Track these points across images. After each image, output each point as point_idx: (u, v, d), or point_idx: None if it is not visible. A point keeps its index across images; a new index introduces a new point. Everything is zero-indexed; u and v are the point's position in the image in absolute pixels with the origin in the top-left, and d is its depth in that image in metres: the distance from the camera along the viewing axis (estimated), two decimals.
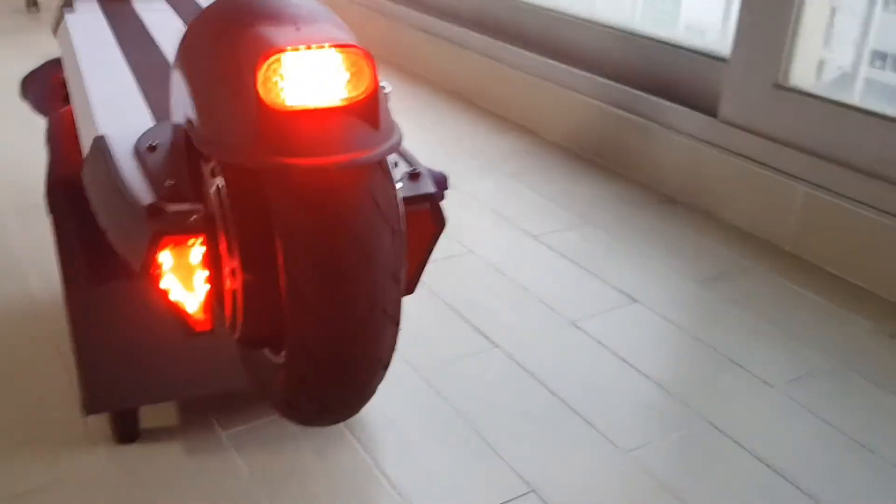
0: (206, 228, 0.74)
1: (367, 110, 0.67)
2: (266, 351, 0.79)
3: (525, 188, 1.92)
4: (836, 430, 1.19)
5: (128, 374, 1.06)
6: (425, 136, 2.23)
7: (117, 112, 0.96)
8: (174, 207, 0.74)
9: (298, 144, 0.64)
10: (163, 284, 0.74)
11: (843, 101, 1.59)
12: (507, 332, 1.38)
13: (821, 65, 1.70)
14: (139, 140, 0.86)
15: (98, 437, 1.13)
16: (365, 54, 0.66)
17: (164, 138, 0.86)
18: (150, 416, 1.16)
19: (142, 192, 0.77)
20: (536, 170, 2.03)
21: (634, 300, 1.48)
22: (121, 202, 0.77)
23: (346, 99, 0.67)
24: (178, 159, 0.81)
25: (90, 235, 0.95)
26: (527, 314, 1.43)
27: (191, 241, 0.73)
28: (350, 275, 0.67)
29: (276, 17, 0.69)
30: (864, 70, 1.71)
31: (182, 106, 0.75)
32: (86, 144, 0.91)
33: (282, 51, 0.64)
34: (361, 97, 0.67)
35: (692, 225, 1.77)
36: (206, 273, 0.75)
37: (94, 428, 1.14)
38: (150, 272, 0.73)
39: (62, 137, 1.07)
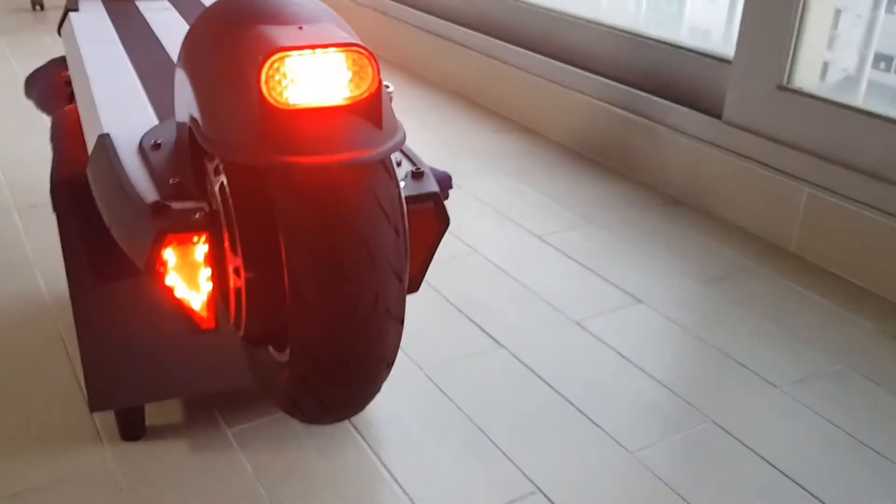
0: (210, 226, 0.74)
1: (370, 109, 0.67)
2: (270, 349, 0.79)
3: (528, 188, 1.92)
4: (840, 431, 1.19)
5: (133, 371, 1.06)
6: (429, 136, 2.23)
7: (121, 110, 0.96)
8: (178, 205, 0.75)
9: (301, 143, 0.64)
10: (167, 282, 0.74)
11: (846, 103, 1.58)
12: (511, 331, 1.38)
13: (825, 67, 1.70)
14: (143, 138, 0.87)
15: (104, 434, 1.13)
16: (367, 54, 0.66)
17: (168, 136, 0.86)
18: (155, 413, 1.17)
19: (146, 189, 0.77)
20: (540, 170, 2.03)
21: (638, 300, 1.49)
22: (125, 200, 0.77)
23: (349, 98, 0.67)
24: (182, 157, 0.81)
25: (95, 233, 0.95)
26: (531, 314, 1.43)
27: (195, 239, 0.74)
28: (353, 273, 0.67)
29: (279, 17, 0.69)
30: (868, 72, 1.71)
31: (186, 104, 0.75)
32: (90, 142, 0.92)
33: (285, 50, 0.64)
34: (364, 96, 0.67)
35: (696, 225, 1.77)
36: (209, 271, 0.75)
37: (100, 425, 1.14)
38: (154, 270, 0.73)
39: (66, 136, 1.07)
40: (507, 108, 2.39)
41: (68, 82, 1.29)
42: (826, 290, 1.54)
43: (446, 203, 1.74)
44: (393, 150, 0.68)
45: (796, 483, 1.09)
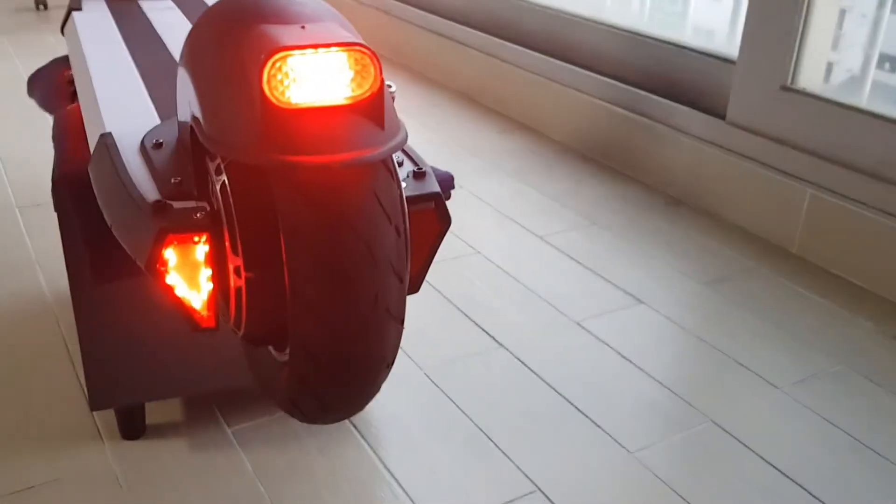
0: (211, 226, 0.74)
1: (372, 109, 0.67)
2: (270, 348, 0.79)
3: (530, 188, 1.92)
4: (840, 431, 1.19)
5: (133, 370, 1.06)
6: (430, 135, 2.23)
7: (124, 109, 0.96)
8: (179, 205, 0.75)
9: (303, 142, 0.64)
10: (168, 281, 0.74)
11: (850, 104, 1.58)
12: (512, 331, 1.38)
13: (829, 67, 1.70)
14: (145, 137, 0.87)
15: (104, 433, 1.13)
16: (370, 53, 0.66)
17: (169, 136, 0.86)
18: (155, 412, 1.17)
19: (147, 189, 0.77)
20: (542, 170, 2.03)
21: (639, 301, 1.48)
22: (126, 199, 0.77)
23: (351, 97, 0.67)
24: (184, 157, 0.81)
25: (96, 233, 0.96)
26: (531, 314, 1.43)
27: (196, 239, 0.74)
28: (353, 273, 0.67)
29: (281, 16, 0.69)
30: (873, 73, 1.71)
31: (188, 104, 0.75)
32: (92, 141, 0.92)
33: (287, 49, 0.64)
34: (366, 96, 0.67)
35: (697, 226, 1.77)
36: (210, 270, 0.75)
37: (101, 423, 1.15)
38: (155, 269, 0.73)
39: (68, 135, 1.07)
40: (510, 107, 2.39)
41: (71, 81, 1.29)
42: (827, 290, 1.54)
43: (448, 203, 1.74)
44: (395, 149, 0.68)
45: (797, 483, 1.09)
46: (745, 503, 1.06)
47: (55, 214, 1.48)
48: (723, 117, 1.81)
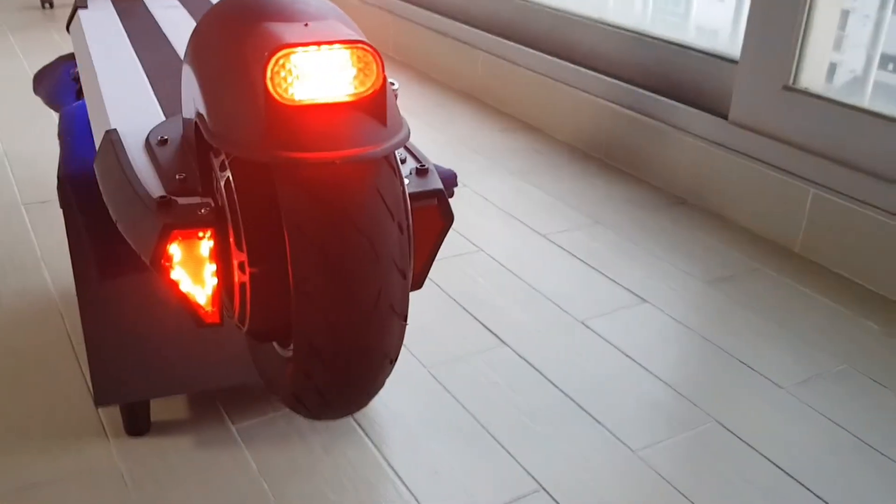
0: (216, 222, 0.74)
1: (375, 106, 0.68)
2: (274, 344, 0.80)
3: (534, 187, 1.92)
4: (844, 432, 1.19)
5: (138, 367, 1.06)
6: (434, 134, 2.23)
7: (129, 106, 0.96)
8: (184, 201, 0.75)
9: (306, 139, 0.64)
10: (172, 277, 0.75)
11: (853, 104, 1.58)
12: (516, 329, 1.39)
13: (831, 67, 1.70)
14: (150, 134, 0.87)
15: (109, 430, 1.13)
16: (372, 50, 0.67)
17: (174, 133, 0.87)
18: (160, 408, 1.17)
19: (152, 185, 0.78)
20: (545, 169, 2.03)
21: (643, 300, 1.49)
22: (132, 195, 0.78)
23: (354, 94, 0.67)
24: (189, 153, 0.81)
25: (101, 230, 0.96)
26: (535, 312, 1.44)
27: (200, 235, 0.74)
28: (356, 269, 0.67)
29: (284, 14, 0.70)
30: (875, 73, 1.71)
31: (192, 101, 0.75)
32: (98, 138, 0.92)
33: (290, 47, 0.64)
34: (369, 93, 0.67)
35: (701, 226, 1.77)
36: (214, 266, 0.76)
37: (106, 420, 1.15)
38: (159, 265, 0.74)
39: (74, 132, 1.07)
40: (513, 107, 2.39)
41: (76, 79, 1.30)
42: (831, 291, 1.54)
43: (451, 201, 1.74)
44: (397, 146, 0.68)
45: (800, 483, 1.09)
46: (747, 503, 1.06)
47: (61, 211, 1.49)
48: (725, 117, 1.81)
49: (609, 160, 2.09)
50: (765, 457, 1.13)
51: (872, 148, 1.55)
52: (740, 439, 1.16)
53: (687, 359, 1.33)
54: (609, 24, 2.14)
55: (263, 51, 0.65)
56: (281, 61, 0.64)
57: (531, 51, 2.29)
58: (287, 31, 0.66)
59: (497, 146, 2.17)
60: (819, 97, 1.63)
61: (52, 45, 2.87)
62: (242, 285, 0.74)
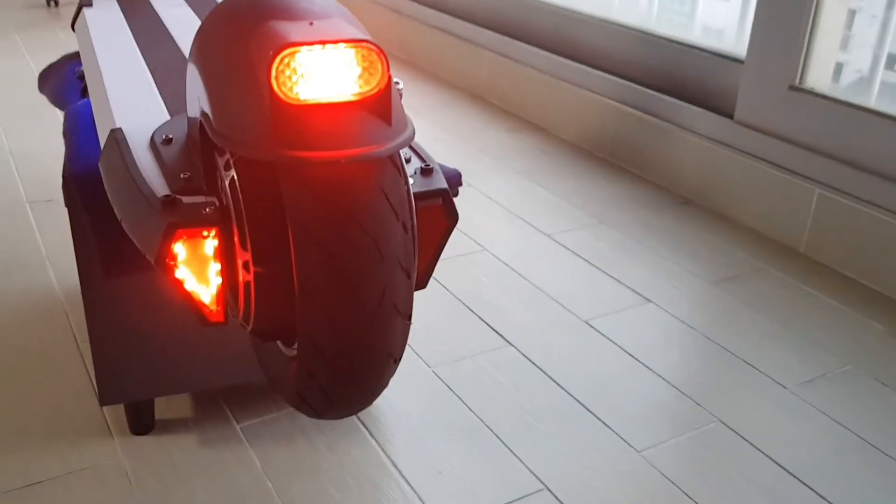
0: (220, 221, 0.74)
1: (380, 105, 0.68)
2: (278, 343, 0.80)
3: (539, 187, 1.92)
4: (848, 432, 1.18)
5: (143, 365, 1.07)
6: (439, 134, 2.23)
7: (134, 105, 0.96)
8: (189, 200, 0.75)
9: (311, 138, 0.64)
10: (177, 276, 0.75)
11: (858, 104, 1.58)
12: (520, 329, 1.39)
13: (837, 67, 1.70)
14: (155, 133, 0.87)
15: (114, 428, 1.14)
16: (377, 50, 0.67)
17: (179, 131, 0.87)
18: (164, 407, 1.17)
19: (157, 184, 0.78)
20: (550, 169, 2.03)
21: (648, 300, 1.48)
22: (136, 194, 0.78)
23: (359, 94, 0.67)
24: (193, 152, 0.81)
25: (106, 228, 0.96)
26: (539, 312, 1.44)
27: (205, 234, 0.74)
28: (360, 268, 0.67)
29: (289, 13, 0.70)
30: (881, 73, 1.70)
31: (197, 100, 0.75)
32: (103, 137, 0.92)
33: (295, 45, 0.64)
34: (374, 92, 0.67)
35: (706, 226, 1.77)
36: (219, 265, 0.76)
37: (110, 418, 1.15)
38: (164, 263, 0.74)
39: (79, 130, 1.08)
40: (519, 106, 2.39)
41: (81, 77, 1.30)
42: (836, 291, 1.54)
43: (456, 200, 1.74)
44: (402, 146, 0.68)
45: (804, 484, 1.09)
46: (751, 502, 1.06)
47: (65, 210, 1.49)
48: (731, 117, 1.81)
49: (614, 160, 2.08)
50: (769, 457, 1.13)
51: (878, 148, 1.54)
52: (744, 439, 1.16)
53: (691, 359, 1.33)
54: (615, 24, 2.14)
55: (268, 50, 0.65)
56: (286, 60, 0.64)
57: (537, 50, 2.29)
58: (292, 30, 0.66)
59: (503, 146, 2.16)
60: (825, 97, 1.63)
61: (57, 44, 2.87)
62: (247, 284, 0.74)
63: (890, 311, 1.48)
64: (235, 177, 0.72)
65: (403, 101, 2.47)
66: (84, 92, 1.30)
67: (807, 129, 1.66)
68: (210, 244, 0.75)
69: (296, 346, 0.72)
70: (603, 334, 1.38)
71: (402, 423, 1.17)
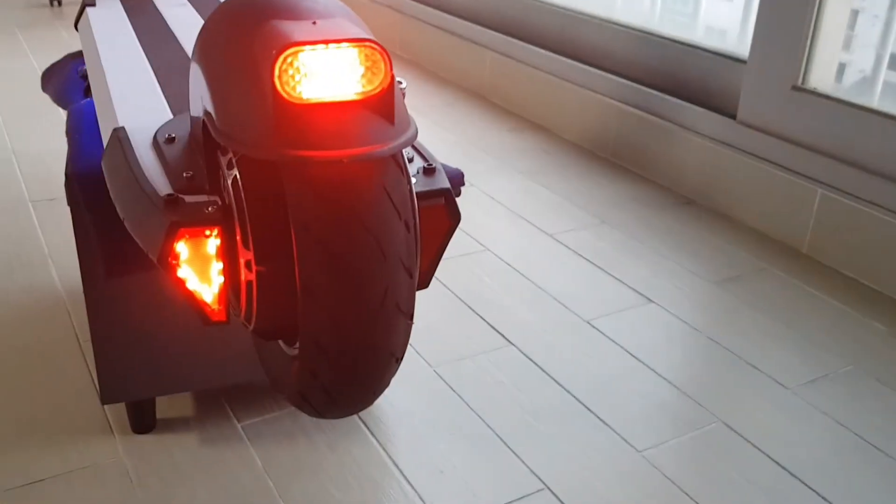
0: (223, 220, 0.74)
1: (383, 105, 0.68)
2: (280, 342, 0.80)
3: (541, 187, 1.92)
4: (850, 433, 1.18)
5: (144, 364, 1.07)
6: (442, 134, 2.23)
7: (136, 105, 0.97)
8: (191, 199, 0.75)
9: (314, 137, 0.64)
10: (179, 275, 0.75)
11: (861, 104, 1.58)
12: (522, 329, 1.39)
13: (840, 67, 1.70)
14: (158, 132, 0.87)
15: (115, 427, 1.14)
16: (380, 49, 0.67)
17: (182, 131, 0.87)
18: (166, 406, 1.17)
19: (160, 183, 0.78)
20: (553, 169, 2.03)
21: (650, 300, 1.48)
22: (139, 193, 0.78)
23: (362, 93, 0.67)
24: (196, 151, 0.81)
25: (108, 227, 0.96)
26: (541, 312, 1.44)
27: (207, 233, 0.74)
28: (363, 268, 0.67)
29: (293, 12, 0.70)
30: (884, 73, 1.70)
31: (200, 99, 0.75)
32: (105, 136, 0.92)
33: (298, 45, 0.64)
34: (376, 91, 0.67)
35: (708, 226, 1.77)
36: (221, 264, 0.76)
37: (112, 417, 1.15)
38: (166, 262, 0.74)
39: (82, 129, 1.08)
40: (521, 106, 2.39)
41: (84, 76, 1.30)
42: (838, 291, 1.54)
43: (458, 200, 1.74)
44: (405, 145, 0.68)
45: (805, 484, 1.09)
46: (752, 503, 1.06)
47: (68, 209, 1.49)
48: (733, 117, 1.80)
49: (616, 160, 2.08)
50: (770, 457, 1.13)
51: (881, 148, 1.54)
52: (746, 440, 1.16)
53: (693, 359, 1.33)
54: (617, 24, 2.14)
55: (271, 49, 0.65)
56: (289, 59, 0.64)
57: (539, 50, 2.29)
58: (295, 30, 0.67)
59: (505, 145, 2.16)
60: (828, 97, 1.63)
61: (60, 43, 2.87)
62: (249, 283, 0.74)
63: (892, 312, 1.48)
64: (238, 176, 0.72)
65: (406, 101, 2.47)
66: (87, 91, 1.30)
67: (809, 129, 1.66)
68: (212, 243, 0.75)
69: (298, 345, 0.72)
70: (605, 334, 1.38)
71: (403, 423, 1.17)
